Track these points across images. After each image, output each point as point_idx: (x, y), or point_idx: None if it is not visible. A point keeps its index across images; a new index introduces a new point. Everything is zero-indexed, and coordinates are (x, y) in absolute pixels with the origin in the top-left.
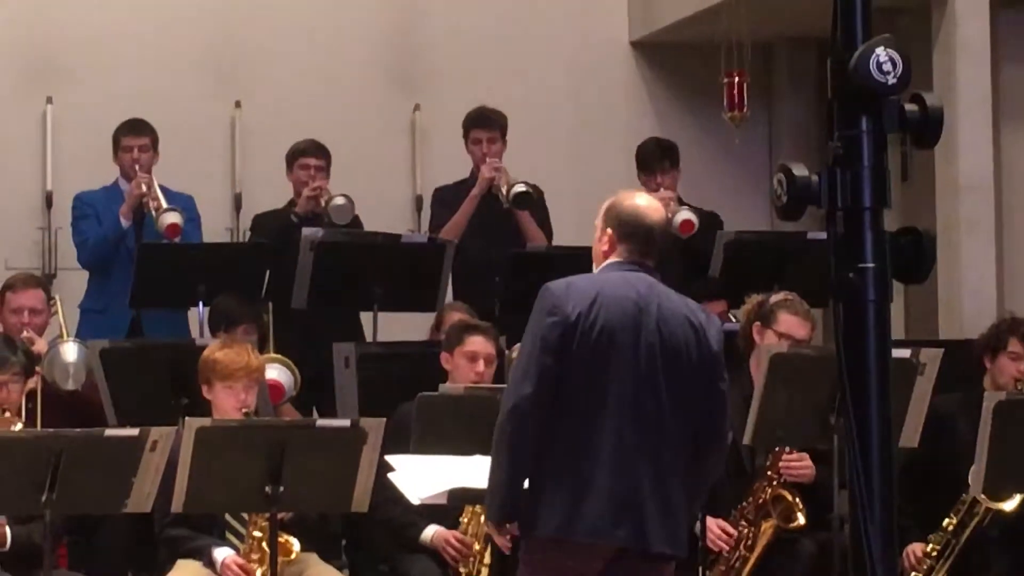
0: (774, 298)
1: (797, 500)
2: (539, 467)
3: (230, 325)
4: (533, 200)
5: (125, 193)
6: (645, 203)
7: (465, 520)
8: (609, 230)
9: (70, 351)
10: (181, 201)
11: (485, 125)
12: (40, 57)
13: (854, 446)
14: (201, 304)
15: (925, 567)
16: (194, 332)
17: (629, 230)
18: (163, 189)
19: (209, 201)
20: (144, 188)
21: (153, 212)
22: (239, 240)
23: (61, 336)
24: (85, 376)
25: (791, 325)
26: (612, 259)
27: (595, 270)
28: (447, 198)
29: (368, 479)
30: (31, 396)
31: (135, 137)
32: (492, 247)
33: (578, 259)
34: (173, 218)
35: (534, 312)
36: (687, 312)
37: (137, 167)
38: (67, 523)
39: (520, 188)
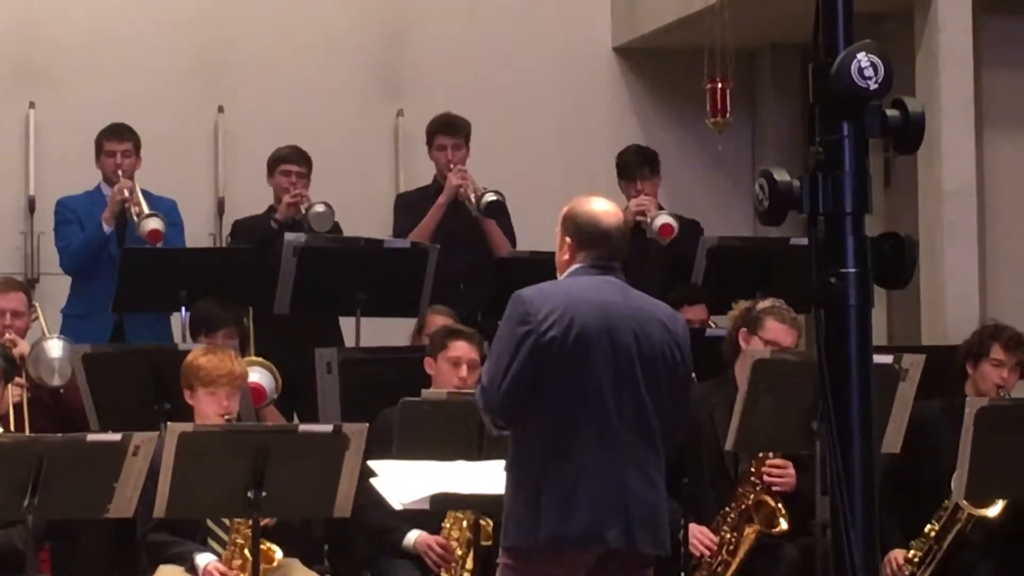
0: (761, 305)
1: (779, 505)
2: (523, 476)
3: (210, 330)
4: (504, 208)
5: (108, 198)
6: (602, 208)
7: (448, 525)
8: (568, 238)
9: (54, 347)
10: (164, 206)
11: (449, 131)
12: (23, 61)
13: (835, 451)
14: (184, 309)
15: (907, 573)
16: (177, 337)
17: (588, 237)
18: (145, 194)
19: (192, 206)
20: (126, 193)
21: (135, 217)
22: (222, 245)
23: (44, 336)
24: (71, 373)
25: (778, 332)
26: (576, 265)
27: (558, 277)
28: (410, 204)
29: (351, 484)
30: (16, 406)
31: (118, 142)
32: (458, 255)
33: None
34: (154, 224)
35: (505, 320)
36: (658, 313)
37: (120, 172)
38: (49, 528)
39: (491, 197)
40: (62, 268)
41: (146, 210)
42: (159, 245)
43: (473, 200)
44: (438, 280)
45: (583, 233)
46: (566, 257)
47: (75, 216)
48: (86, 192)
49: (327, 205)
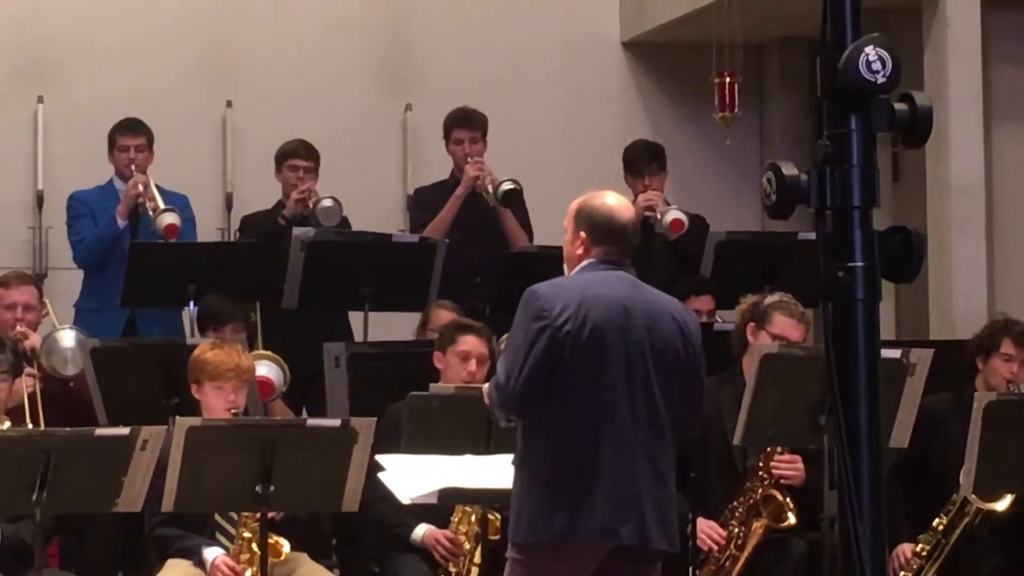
0: (769, 299)
1: (788, 500)
2: (536, 471)
3: (218, 325)
4: (521, 197)
5: (121, 193)
6: (616, 202)
7: (455, 519)
8: (583, 233)
9: (67, 337)
10: (176, 201)
11: (467, 125)
12: (31, 56)
13: (843, 446)
14: (192, 303)
15: (915, 567)
16: (187, 331)
17: (603, 231)
18: (158, 189)
19: (200, 201)
20: (140, 188)
21: (150, 212)
22: (230, 240)
23: (55, 327)
24: (83, 363)
25: (785, 327)
26: (589, 260)
27: (567, 272)
28: (428, 199)
29: (358, 479)
30: (30, 397)
31: (132, 136)
32: (473, 247)
33: None
34: (171, 219)
35: (520, 315)
36: (670, 309)
37: (133, 167)
38: (57, 522)
39: (508, 186)
40: (75, 262)
41: (161, 205)
42: (174, 240)
43: (491, 190)
44: (454, 273)
45: (598, 228)
46: (579, 251)
47: (88, 210)
48: (98, 186)
49: (335, 200)
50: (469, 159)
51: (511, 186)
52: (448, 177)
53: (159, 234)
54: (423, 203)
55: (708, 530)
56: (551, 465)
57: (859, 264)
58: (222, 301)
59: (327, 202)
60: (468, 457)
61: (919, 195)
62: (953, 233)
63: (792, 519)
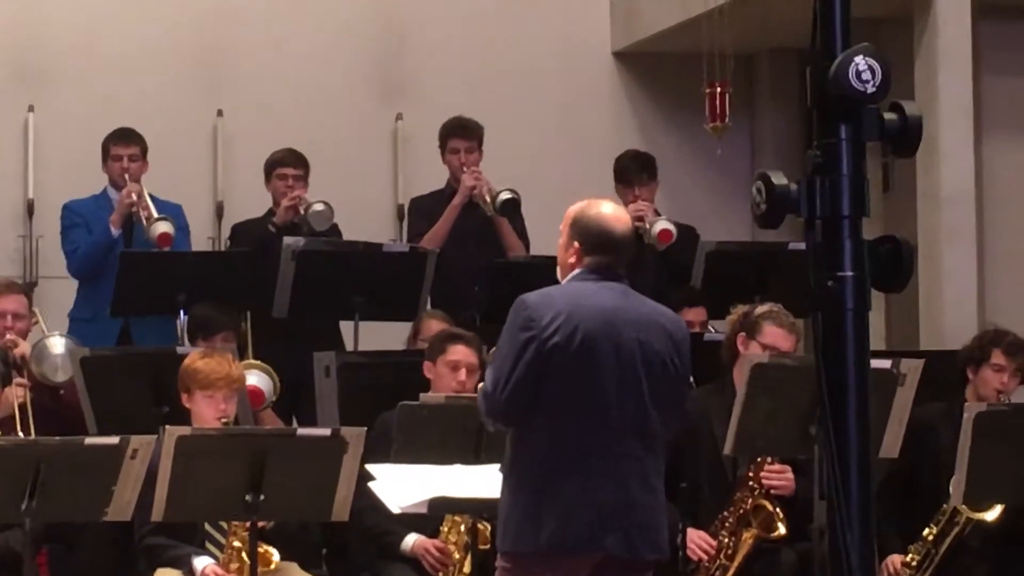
0: (759, 309)
1: (778, 510)
2: (524, 480)
3: (208, 334)
4: (519, 207)
5: (114, 202)
6: (611, 212)
7: (445, 529)
8: (576, 242)
9: (56, 344)
10: (170, 210)
11: (463, 135)
12: (22, 65)
13: (832, 456)
14: (182, 312)
15: None
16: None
17: (597, 241)
18: (152, 198)
19: (191, 210)
20: (135, 197)
21: (144, 221)
22: (220, 249)
23: (45, 334)
24: (72, 370)
25: (776, 337)
26: (580, 269)
27: (560, 279)
28: (424, 208)
29: (348, 488)
30: (20, 405)
31: (125, 146)
32: (470, 256)
33: None
34: (165, 227)
35: (508, 325)
36: (661, 319)
37: (127, 176)
38: (47, 531)
39: (507, 195)
40: (69, 272)
41: (155, 214)
42: (168, 249)
43: (488, 200)
44: (452, 281)
45: (592, 238)
46: (572, 260)
47: (82, 220)
48: (92, 196)
49: (326, 204)
50: (465, 168)
51: (509, 195)
52: (444, 187)
53: (153, 243)
54: (420, 212)
55: (698, 540)
56: (539, 473)
57: (849, 274)
58: (212, 310)
59: (318, 206)
60: (458, 467)
61: (909, 205)
62: (943, 243)
63: (782, 529)
